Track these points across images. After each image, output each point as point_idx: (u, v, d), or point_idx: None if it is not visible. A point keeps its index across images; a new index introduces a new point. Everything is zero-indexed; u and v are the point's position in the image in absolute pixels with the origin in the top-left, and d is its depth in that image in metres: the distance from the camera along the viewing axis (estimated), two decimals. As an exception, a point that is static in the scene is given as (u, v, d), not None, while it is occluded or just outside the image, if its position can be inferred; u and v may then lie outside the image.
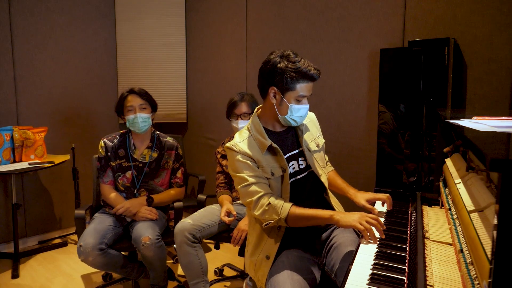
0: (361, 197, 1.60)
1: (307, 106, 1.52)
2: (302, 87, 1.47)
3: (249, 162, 1.49)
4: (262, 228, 1.53)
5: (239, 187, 1.51)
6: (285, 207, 1.42)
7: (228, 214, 2.12)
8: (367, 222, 1.30)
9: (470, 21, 2.08)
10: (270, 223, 1.46)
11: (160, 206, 2.29)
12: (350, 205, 1.82)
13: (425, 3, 2.23)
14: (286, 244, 1.54)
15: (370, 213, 1.47)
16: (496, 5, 2.00)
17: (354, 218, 1.32)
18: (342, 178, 1.79)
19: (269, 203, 1.43)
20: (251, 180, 1.47)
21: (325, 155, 1.84)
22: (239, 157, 1.49)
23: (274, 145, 1.50)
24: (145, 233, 2.01)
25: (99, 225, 2.09)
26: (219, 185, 2.35)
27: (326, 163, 1.83)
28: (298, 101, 1.49)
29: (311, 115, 1.77)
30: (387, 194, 1.58)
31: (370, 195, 1.61)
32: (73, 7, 3.38)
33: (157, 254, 2.03)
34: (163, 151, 2.32)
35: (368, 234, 1.28)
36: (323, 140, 1.74)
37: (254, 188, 1.47)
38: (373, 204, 1.62)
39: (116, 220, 2.18)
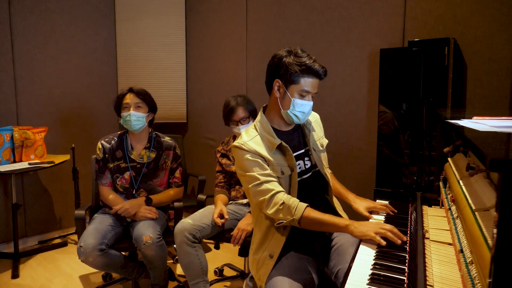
0: (360, 205, 1.60)
1: (311, 103, 1.51)
2: (306, 82, 1.47)
3: (259, 160, 1.46)
4: (270, 226, 1.52)
5: (249, 186, 1.46)
6: (299, 208, 1.39)
7: (221, 216, 2.12)
8: (382, 229, 1.28)
9: (470, 21, 2.08)
10: (282, 222, 1.43)
11: (159, 206, 2.29)
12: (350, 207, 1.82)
13: (425, 3, 2.23)
14: (288, 244, 1.54)
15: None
16: (496, 5, 2.00)
17: (368, 227, 1.30)
18: (340, 182, 1.80)
19: (283, 202, 1.41)
20: (263, 178, 1.44)
21: None
22: (248, 156, 1.46)
23: (284, 144, 1.48)
24: (146, 232, 2.01)
25: (100, 225, 2.09)
26: (218, 184, 2.36)
27: None
28: (301, 96, 1.48)
29: (316, 115, 1.76)
30: (386, 203, 1.59)
31: (370, 203, 1.61)
32: (73, 7, 3.38)
33: (158, 253, 2.03)
34: (161, 151, 2.31)
35: (386, 237, 1.26)
36: (327, 141, 1.74)
37: (266, 186, 1.44)
38: (371, 213, 1.60)
39: (117, 220, 2.18)
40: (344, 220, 1.38)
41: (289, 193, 1.50)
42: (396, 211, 1.55)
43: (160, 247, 2.04)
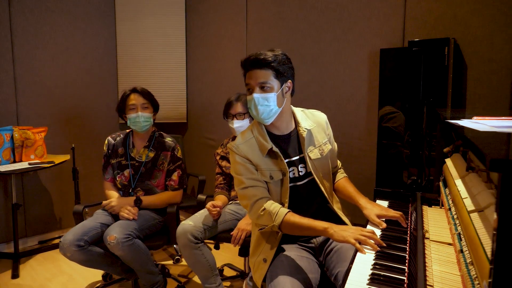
0: (371, 211, 1.47)
1: (252, 95, 1.47)
2: (247, 78, 1.51)
3: (247, 164, 1.48)
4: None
5: (237, 188, 1.52)
6: (280, 214, 1.40)
7: (214, 206, 2.11)
8: (362, 235, 1.25)
9: (470, 21, 2.08)
10: (264, 228, 1.45)
11: (155, 208, 2.28)
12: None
13: (425, 3, 2.23)
14: (288, 241, 1.54)
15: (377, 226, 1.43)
16: (496, 5, 2.00)
17: (348, 233, 1.28)
18: (353, 186, 1.68)
19: (264, 209, 1.43)
20: (248, 183, 1.47)
21: (338, 162, 1.79)
22: (238, 159, 1.50)
23: (275, 149, 1.49)
24: (112, 232, 1.99)
25: (88, 222, 2.12)
26: (218, 186, 2.35)
27: (337, 170, 1.77)
28: (248, 91, 1.50)
29: (320, 118, 1.67)
30: (400, 213, 1.45)
31: (382, 211, 1.47)
32: (73, 7, 3.38)
33: (127, 253, 1.99)
34: (160, 152, 2.31)
35: (366, 245, 1.24)
36: (330, 147, 1.65)
37: (250, 191, 1.47)
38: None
39: (113, 218, 2.19)
40: (323, 223, 1.35)
41: (280, 198, 1.50)
42: (408, 223, 1.46)
43: (129, 247, 1.98)
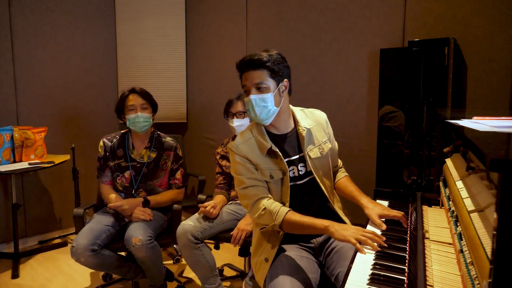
0: (373, 211, 1.46)
1: (249, 97, 1.46)
2: (243, 79, 1.50)
3: (247, 164, 1.48)
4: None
5: (237, 188, 1.52)
6: (281, 213, 1.40)
7: (205, 206, 2.10)
8: (363, 236, 1.25)
9: (470, 21, 2.08)
10: (265, 227, 1.45)
11: (158, 208, 2.28)
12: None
13: (425, 3, 2.23)
14: (288, 241, 1.54)
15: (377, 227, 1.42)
16: (496, 5, 2.00)
17: (349, 232, 1.27)
18: (355, 185, 1.66)
19: (265, 208, 1.43)
20: (248, 182, 1.47)
21: (339, 161, 1.79)
22: (237, 159, 1.50)
23: (274, 148, 1.48)
24: (135, 234, 1.99)
25: (95, 225, 2.09)
26: (218, 186, 2.36)
27: (338, 169, 1.77)
28: (245, 93, 1.50)
29: (320, 117, 1.66)
30: (402, 213, 1.44)
31: (384, 211, 1.45)
32: (73, 7, 3.38)
33: (148, 255, 2.01)
34: (162, 152, 2.31)
35: (366, 245, 1.24)
36: (330, 146, 1.64)
37: (250, 191, 1.47)
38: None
39: (115, 220, 2.18)
40: (323, 221, 1.36)
41: (280, 197, 1.50)
42: (408, 223, 1.45)
43: (151, 249, 2.01)
